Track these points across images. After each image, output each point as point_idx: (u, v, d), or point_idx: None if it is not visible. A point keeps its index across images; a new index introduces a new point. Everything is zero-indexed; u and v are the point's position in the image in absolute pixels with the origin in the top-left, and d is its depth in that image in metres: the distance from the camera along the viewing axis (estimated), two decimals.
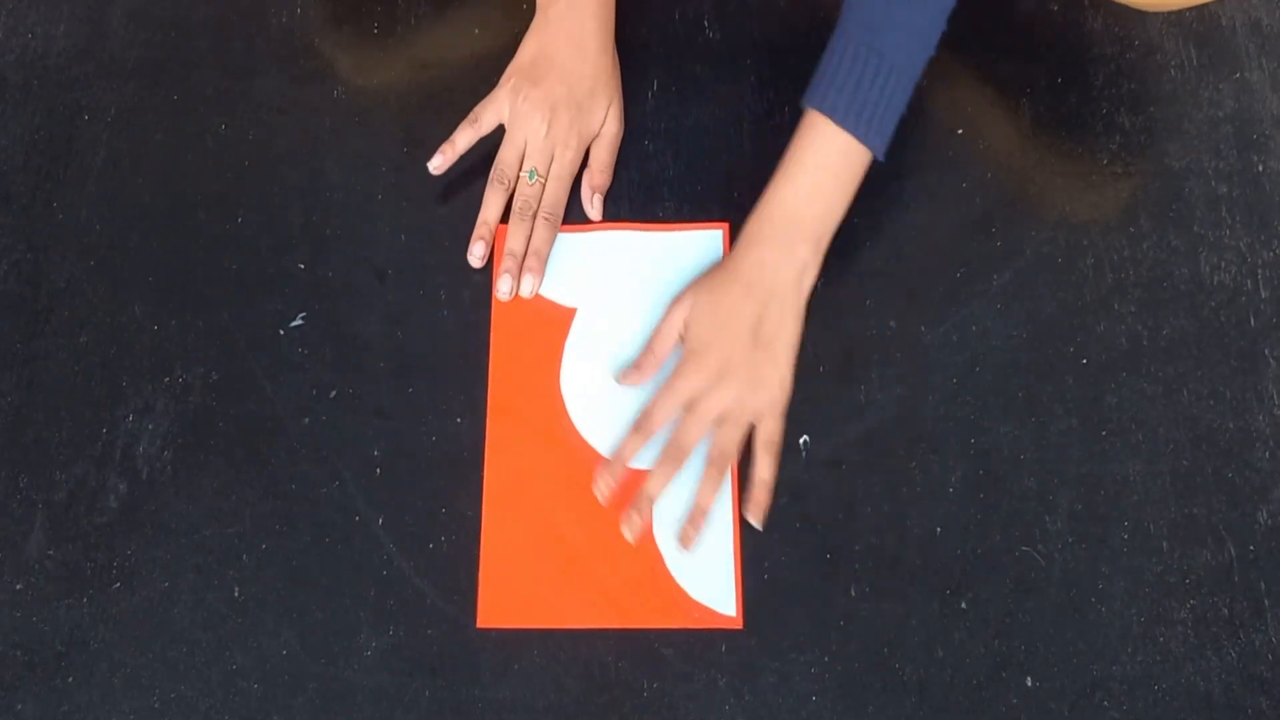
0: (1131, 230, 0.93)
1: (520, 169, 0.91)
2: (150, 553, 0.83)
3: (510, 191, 0.92)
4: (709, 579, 0.83)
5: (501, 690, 0.80)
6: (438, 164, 0.92)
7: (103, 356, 0.89)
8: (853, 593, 0.82)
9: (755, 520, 0.83)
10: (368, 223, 0.93)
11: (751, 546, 0.84)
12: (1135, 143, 0.96)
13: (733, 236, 0.89)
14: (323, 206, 0.94)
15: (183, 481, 0.85)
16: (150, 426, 0.87)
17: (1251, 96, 0.98)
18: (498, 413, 0.87)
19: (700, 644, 0.81)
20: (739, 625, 0.82)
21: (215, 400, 0.87)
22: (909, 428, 0.87)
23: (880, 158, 0.84)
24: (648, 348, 0.87)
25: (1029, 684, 0.80)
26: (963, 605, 0.82)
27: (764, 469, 0.84)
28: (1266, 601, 0.82)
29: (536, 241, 0.90)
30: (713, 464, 0.83)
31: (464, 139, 0.92)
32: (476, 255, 0.90)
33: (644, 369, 0.87)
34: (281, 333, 0.89)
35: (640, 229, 0.93)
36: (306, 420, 0.87)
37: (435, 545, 0.83)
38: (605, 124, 0.93)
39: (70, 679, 0.80)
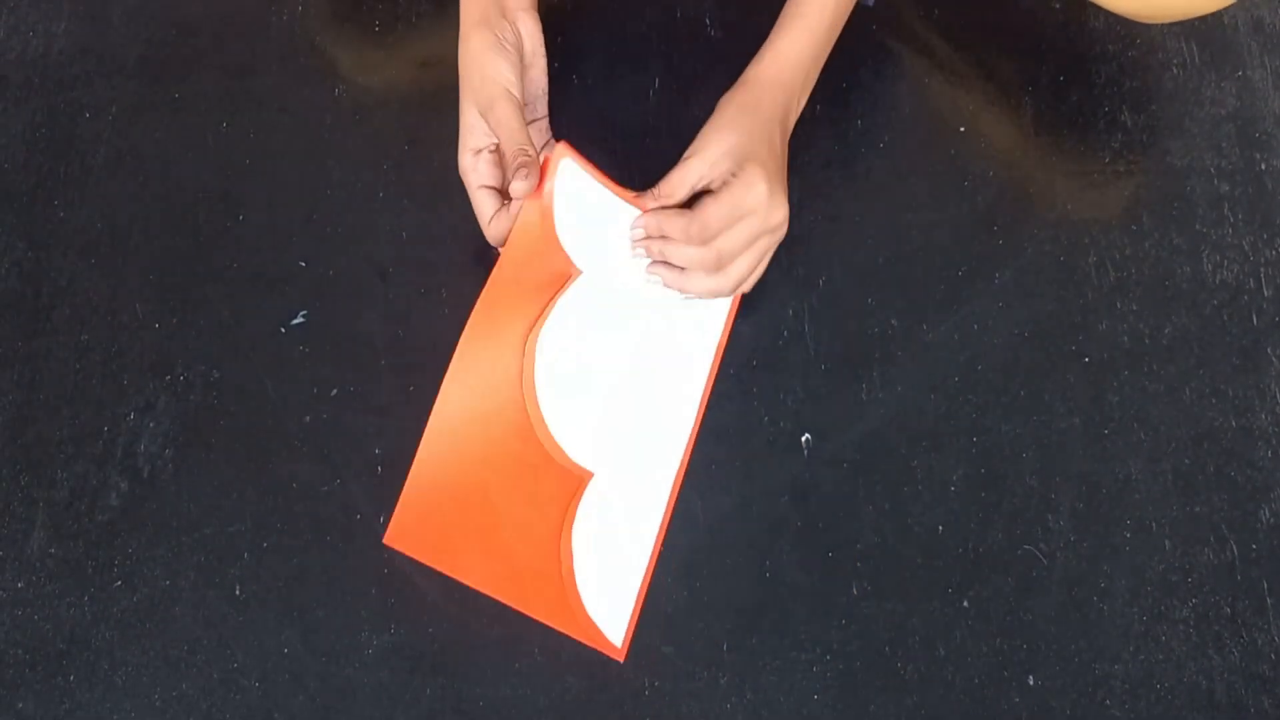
0: (1133, 228, 0.93)
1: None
2: (151, 551, 0.83)
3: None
4: (606, 598, 0.81)
5: (503, 688, 0.80)
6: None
7: (103, 354, 0.89)
8: (854, 591, 0.82)
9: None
10: (369, 221, 0.93)
11: (752, 545, 0.83)
12: (1137, 141, 0.96)
13: None
14: (324, 204, 0.93)
15: (184, 480, 0.85)
16: (151, 425, 0.87)
17: (1254, 95, 0.98)
18: (476, 331, 0.81)
19: (702, 642, 0.81)
20: (621, 657, 0.80)
21: (216, 398, 0.87)
22: (910, 426, 0.87)
23: (870, 2, 0.91)
24: (659, 188, 0.83)
25: (1031, 682, 0.80)
26: (964, 604, 0.82)
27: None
28: (1269, 600, 0.82)
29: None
30: (733, 281, 0.83)
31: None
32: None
33: (658, 198, 0.83)
34: (283, 331, 0.89)
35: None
36: (308, 418, 0.87)
37: None
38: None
39: (71, 677, 0.80)
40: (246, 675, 0.80)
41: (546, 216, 0.83)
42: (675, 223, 0.81)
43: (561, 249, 0.83)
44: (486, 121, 0.83)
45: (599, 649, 0.80)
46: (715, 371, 0.88)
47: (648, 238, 0.83)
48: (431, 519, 0.81)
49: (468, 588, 0.82)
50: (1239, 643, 0.81)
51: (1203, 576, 0.83)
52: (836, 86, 0.98)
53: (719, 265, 0.82)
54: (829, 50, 0.89)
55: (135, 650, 0.81)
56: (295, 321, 0.90)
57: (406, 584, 0.82)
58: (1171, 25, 1.00)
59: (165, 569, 0.83)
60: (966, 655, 0.81)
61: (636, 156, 0.95)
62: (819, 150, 0.95)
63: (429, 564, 0.81)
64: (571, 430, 0.83)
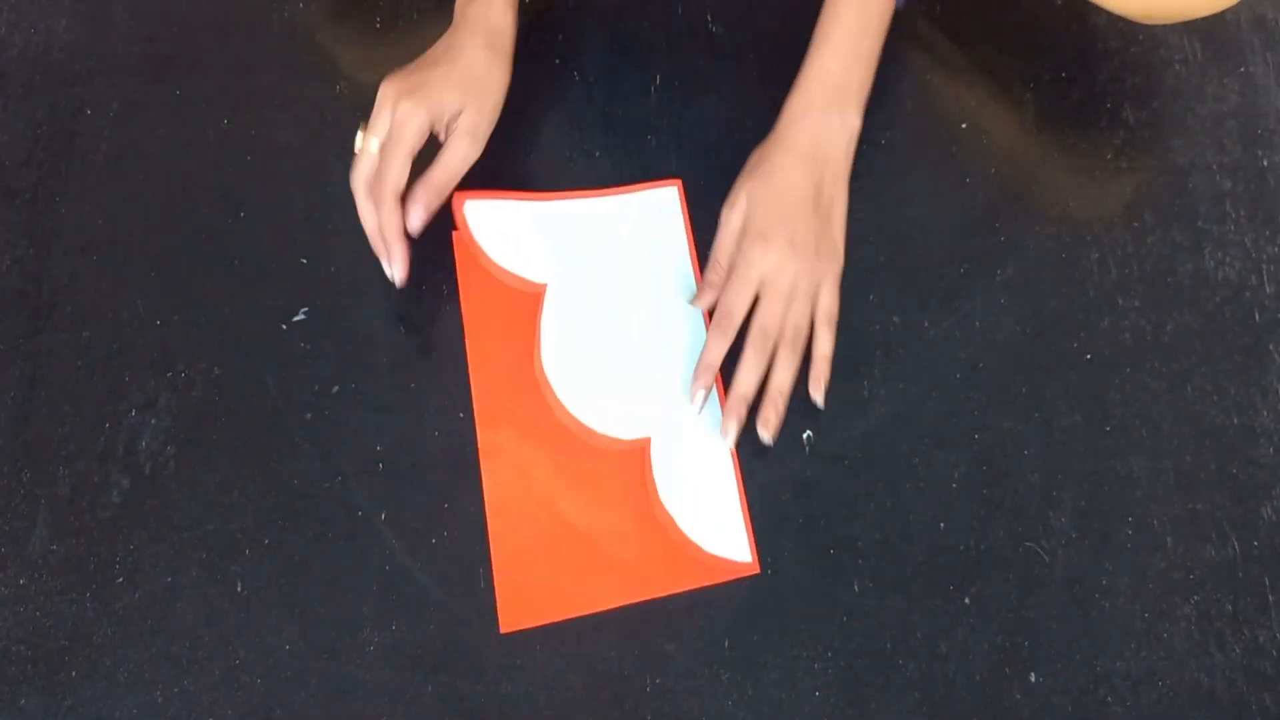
0: (1135, 226, 0.93)
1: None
2: (153, 548, 0.83)
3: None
4: (721, 530, 0.83)
5: (504, 686, 0.80)
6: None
7: (105, 351, 0.89)
8: (856, 588, 0.82)
9: (819, 397, 0.85)
10: None
11: (755, 540, 0.83)
12: (1139, 138, 0.96)
13: (687, 195, 0.93)
14: (325, 201, 0.93)
15: (185, 476, 0.85)
16: (153, 421, 0.87)
17: (1256, 91, 0.98)
18: (485, 418, 0.86)
19: (703, 639, 0.81)
20: (756, 570, 0.82)
21: (218, 395, 0.87)
22: (912, 423, 0.87)
23: (901, 6, 0.89)
24: (712, 261, 0.87)
25: (1032, 680, 0.80)
26: (966, 601, 0.82)
27: (825, 343, 0.86)
28: (1270, 598, 0.82)
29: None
30: (788, 343, 0.85)
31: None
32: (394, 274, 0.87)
33: (713, 282, 0.87)
34: (284, 328, 0.89)
35: (595, 195, 0.93)
36: (309, 415, 0.87)
37: (438, 540, 0.83)
38: (461, 117, 0.86)
39: (73, 674, 0.80)
40: (248, 672, 0.80)
41: (481, 256, 0.90)
42: (714, 341, 0.85)
43: (515, 275, 0.89)
44: (439, 126, 0.85)
45: (735, 576, 0.82)
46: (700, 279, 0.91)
47: (704, 383, 0.85)
48: (533, 582, 0.82)
49: (471, 583, 0.82)
50: (1241, 640, 0.81)
51: (1204, 574, 0.83)
52: None
53: (767, 338, 0.84)
54: (867, 60, 0.89)
55: (137, 647, 0.81)
56: (296, 318, 0.90)
57: (408, 581, 0.82)
58: (1174, 23, 1.00)
59: (167, 566, 0.83)
60: (968, 652, 0.81)
61: (638, 153, 0.95)
62: None
63: (554, 620, 0.81)
64: (612, 417, 0.86)
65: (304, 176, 0.94)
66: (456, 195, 0.90)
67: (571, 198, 0.93)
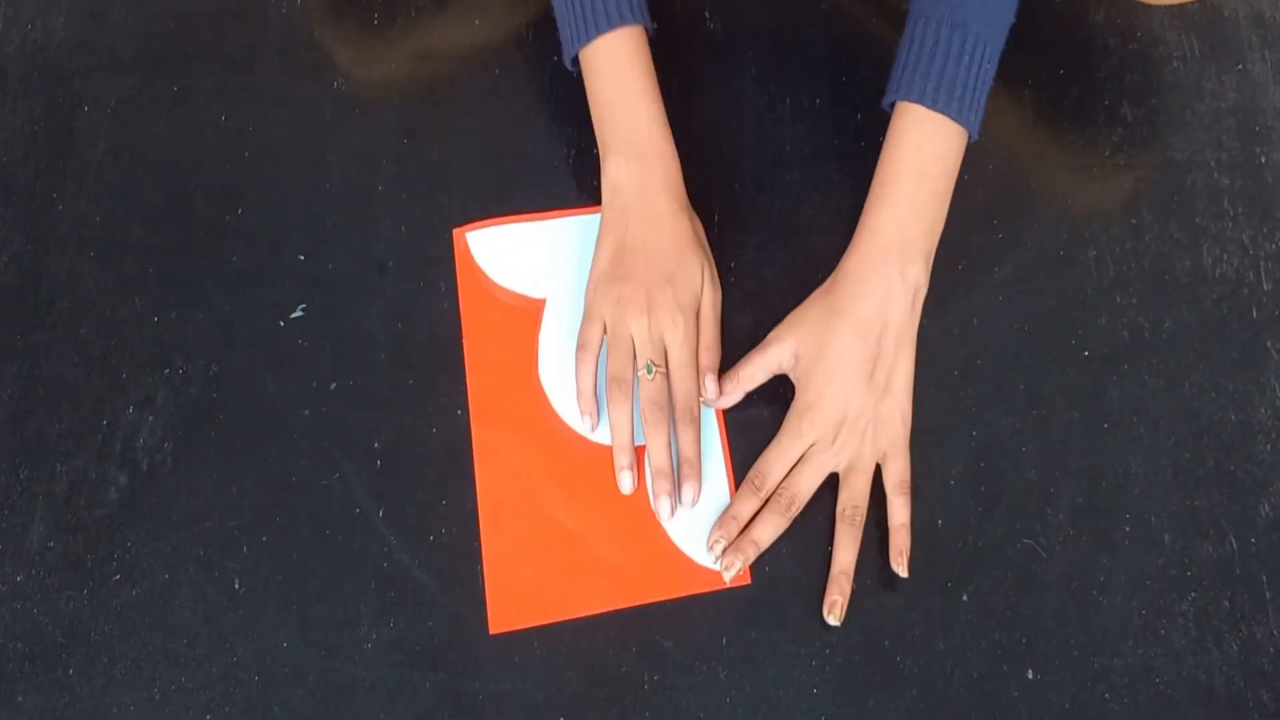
0: (1133, 223, 0.93)
1: (636, 368, 0.84)
2: (150, 545, 0.83)
3: (631, 398, 0.84)
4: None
5: (502, 683, 0.80)
6: (591, 423, 0.85)
7: (103, 349, 0.89)
8: (854, 585, 0.82)
9: (902, 569, 0.81)
10: (368, 215, 0.93)
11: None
12: (1137, 135, 0.96)
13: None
14: (323, 199, 0.93)
15: (183, 474, 0.85)
16: (150, 419, 0.87)
17: (1254, 88, 0.98)
18: (481, 418, 0.86)
19: (701, 637, 0.81)
20: (747, 581, 0.82)
21: (215, 392, 0.87)
22: (910, 420, 0.86)
23: (975, 136, 0.82)
24: (735, 375, 0.85)
25: (1030, 676, 0.80)
26: (964, 598, 0.82)
27: (900, 513, 0.82)
28: (1268, 594, 0.82)
29: (684, 447, 0.83)
30: (847, 521, 0.82)
31: (587, 375, 0.85)
32: (628, 485, 0.83)
33: (729, 395, 0.86)
34: (281, 325, 0.89)
35: (593, 211, 0.92)
36: (307, 412, 0.87)
37: (436, 538, 0.83)
38: (704, 290, 0.86)
39: (71, 671, 0.80)
40: (246, 669, 0.80)
41: (481, 278, 0.91)
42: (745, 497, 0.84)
43: (515, 293, 0.90)
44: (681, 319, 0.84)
45: (725, 587, 0.82)
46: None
47: (726, 534, 0.83)
48: (523, 584, 0.82)
49: (469, 580, 0.82)
50: (1238, 637, 0.81)
51: (1202, 570, 0.83)
52: (835, 80, 0.98)
53: (790, 506, 0.82)
54: (933, 210, 0.83)
55: (135, 644, 0.81)
56: (294, 315, 0.90)
57: (406, 579, 0.82)
58: (1172, 18, 1.00)
59: (164, 563, 0.83)
60: (966, 649, 0.81)
61: None
62: (818, 145, 0.95)
63: (543, 623, 0.81)
64: (607, 425, 0.85)
65: (302, 173, 0.94)
66: (456, 231, 0.92)
67: (569, 215, 0.93)
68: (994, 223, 0.93)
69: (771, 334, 0.86)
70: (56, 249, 0.92)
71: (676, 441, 0.83)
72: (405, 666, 0.80)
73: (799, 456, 0.83)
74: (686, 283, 0.84)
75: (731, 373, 0.86)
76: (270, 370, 0.88)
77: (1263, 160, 0.95)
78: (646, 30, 0.87)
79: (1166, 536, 0.84)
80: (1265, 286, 0.91)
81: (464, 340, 0.88)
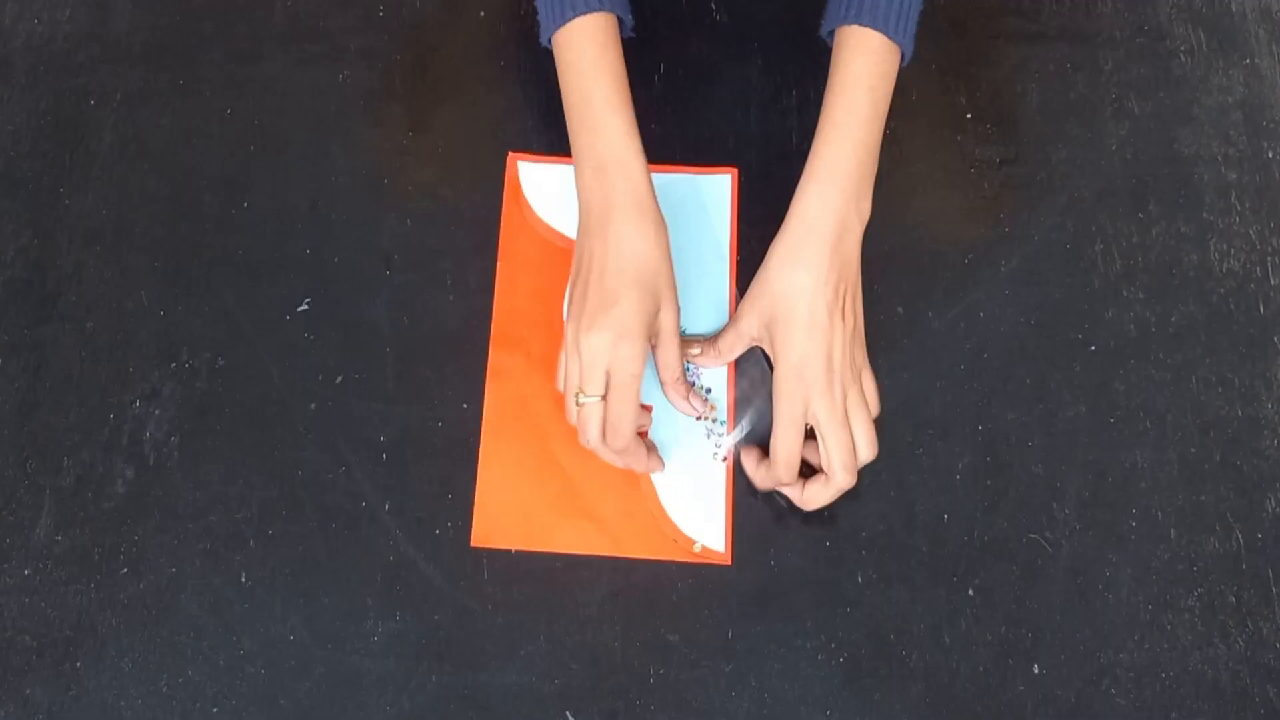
0: (1140, 217, 0.93)
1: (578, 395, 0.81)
2: (157, 538, 0.83)
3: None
4: (700, 515, 0.84)
5: (508, 675, 0.80)
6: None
7: (109, 342, 0.89)
8: (859, 579, 0.82)
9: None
10: (373, 208, 0.93)
11: (758, 532, 0.84)
12: (1144, 128, 0.96)
13: (740, 183, 0.92)
14: (328, 191, 0.93)
15: (189, 467, 0.85)
16: (157, 412, 0.87)
17: (1261, 83, 0.97)
18: (500, 340, 0.88)
19: (706, 630, 0.81)
20: (728, 562, 0.83)
21: (222, 385, 0.87)
22: (916, 414, 0.87)
23: (909, 58, 0.83)
24: (714, 344, 0.86)
25: (1035, 671, 0.80)
26: (970, 592, 0.82)
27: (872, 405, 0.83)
28: (1274, 590, 0.82)
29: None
30: (848, 471, 0.80)
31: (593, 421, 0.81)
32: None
33: (703, 361, 0.87)
34: (287, 318, 0.89)
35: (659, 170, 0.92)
36: (313, 405, 0.87)
37: (441, 530, 0.83)
38: (661, 309, 0.81)
39: (78, 664, 0.80)
40: (252, 662, 0.80)
41: (525, 208, 0.92)
42: (765, 482, 0.83)
43: (556, 231, 0.91)
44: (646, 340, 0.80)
45: (706, 562, 0.83)
46: (734, 271, 0.91)
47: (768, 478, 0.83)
48: (510, 506, 0.84)
49: (474, 573, 0.82)
50: (1244, 632, 0.81)
51: (1208, 565, 0.83)
52: None
53: (788, 472, 0.81)
54: (877, 145, 0.83)
55: (142, 637, 0.81)
56: (300, 308, 0.90)
57: (412, 571, 0.82)
58: (1180, 12, 1.00)
59: (171, 556, 0.83)
60: (971, 643, 0.81)
61: (643, 142, 0.95)
62: None
63: (520, 549, 0.83)
64: None
65: (308, 166, 0.94)
66: (511, 155, 0.93)
67: None
68: (1000, 216, 0.93)
69: (740, 307, 0.84)
70: (63, 242, 0.92)
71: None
72: (411, 659, 0.80)
73: (805, 419, 0.80)
74: (636, 305, 0.79)
75: (709, 342, 0.86)
76: (276, 363, 0.88)
77: (1270, 155, 0.95)
78: (622, 21, 0.86)
79: (1173, 531, 0.84)
80: (1272, 281, 0.91)
81: (498, 260, 0.90)
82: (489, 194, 0.93)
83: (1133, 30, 0.99)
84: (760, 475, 0.83)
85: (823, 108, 0.83)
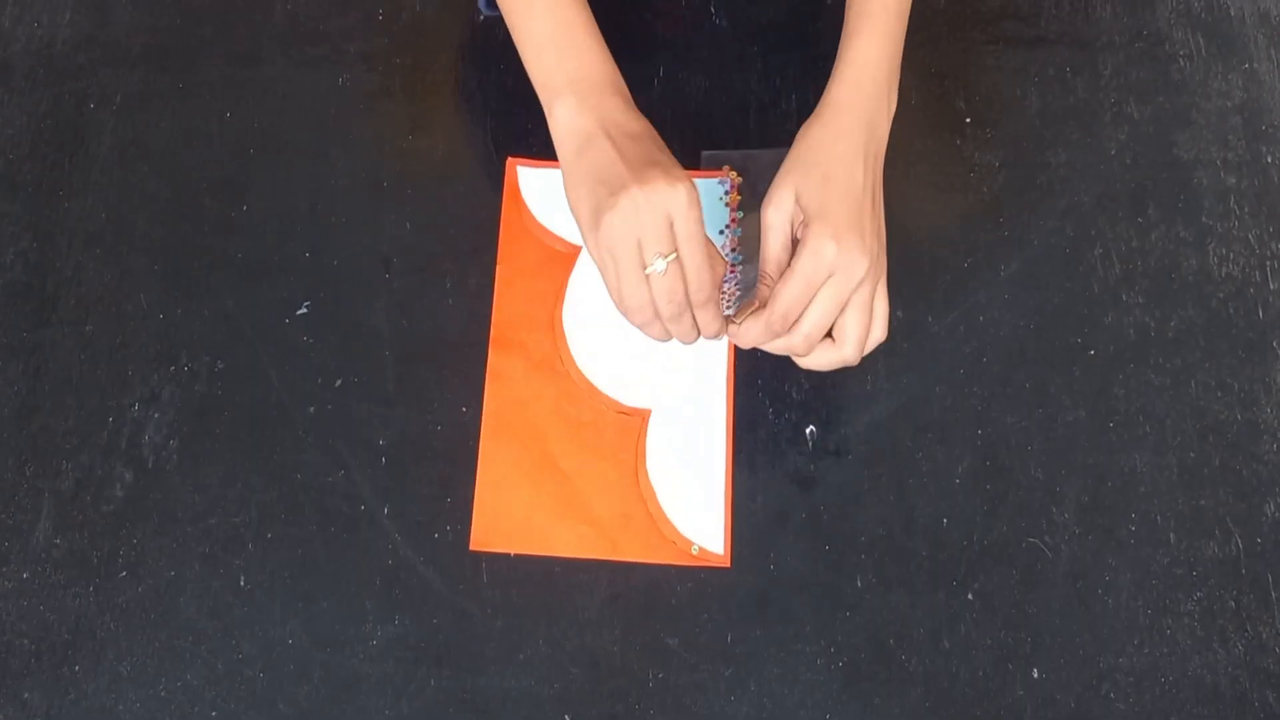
0: (1139, 221, 0.93)
1: (646, 268, 0.73)
2: (156, 541, 0.83)
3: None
4: (699, 518, 0.84)
5: (507, 679, 0.80)
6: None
7: (109, 345, 0.89)
8: (858, 583, 0.82)
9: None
10: (373, 211, 0.93)
11: (757, 536, 0.84)
12: (1143, 133, 0.96)
13: (741, 187, 0.91)
14: (328, 194, 0.93)
15: (189, 470, 0.85)
16: (156, 415, 0.87)
17: (1260, 87, 0.98)
18: (499, 343, 0.89)
19: (706, 634, 0.81)
20: (727, 565, 0.83)
21: (221, 389, 0.87)
22: (916, 418, 0.87)
23: None
24: (762, 274, 0.76)
25: (1035, 675, 0.80)
26: (969, 596, 0.82)
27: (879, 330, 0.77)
28: (1274, 594, 0.82)
29: (707, 326, 0.76)
30: (858, 346, 0.76)
31: (654, 327, 0.76)
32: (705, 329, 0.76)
33: (766, 299, 0.75)
34: (287, 321, 0.89)
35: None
36: (312, 409, 0.87)
37: (440, 534, 0.83)
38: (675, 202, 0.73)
39: (77, 667, 0.80)
40: (251, 665, 0.80)
41: (525, 213, 0.92)
42: (754, 331, 0.75)
43: (550, 233, 0.91)
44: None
45: (705, 565, 0.83)
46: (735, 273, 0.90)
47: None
48: (510, 509, 0.84)
49: (474, 576, 0.82)
50: (1243, 637, 0.81)
51: (1207, 570, 0.83)
52: None
53: (810, 343, 0.75)
54: (903, 40, 0.81)
55: (140, 640, 0.81)
56: (299, 312, 0.90)
57: (411, 575, 0.82)
58: (1179, 16, 1.00)
59: (170, 559, 0.83)
60: (971, 648, 0.81)
61: None
62: None
63: (519, 552, 0.83)
64: (618, 382, 0.87)
65: (307, 169, 0.94)
66: (510, 160, 0.93)
67: None
68: (999, 220, 0.93)
69: (765, 206, 0.76)
70: (62, 245, 0.92)
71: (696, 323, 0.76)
72: (410, 663, 0.80)
73: (820, 285, 0.73)
74: (672, 165, 0.75)
75: (761, 270, 0.77)
76: (276, 366, 0.88)
77: (1269, 159, 0.95)
78: None
79: (1172, 536, 0.84)
80: (1271, 286, 0.91)
81: (498, 264, 0.91)
82: (488, 197, 0.93)
83: (1132, 35, 0.99)
84: (748, 327, 0.76)
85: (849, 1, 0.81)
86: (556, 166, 0.90)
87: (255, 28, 1.00)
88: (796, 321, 0.74)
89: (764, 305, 0.75)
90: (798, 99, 0.96)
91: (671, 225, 0.73)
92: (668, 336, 0.77)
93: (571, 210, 0.77)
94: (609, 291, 0.75)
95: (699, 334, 0.77)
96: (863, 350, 0.76)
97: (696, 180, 0.91)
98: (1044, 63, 0.98)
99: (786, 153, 0.80)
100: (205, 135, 0.96)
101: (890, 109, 0.80)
